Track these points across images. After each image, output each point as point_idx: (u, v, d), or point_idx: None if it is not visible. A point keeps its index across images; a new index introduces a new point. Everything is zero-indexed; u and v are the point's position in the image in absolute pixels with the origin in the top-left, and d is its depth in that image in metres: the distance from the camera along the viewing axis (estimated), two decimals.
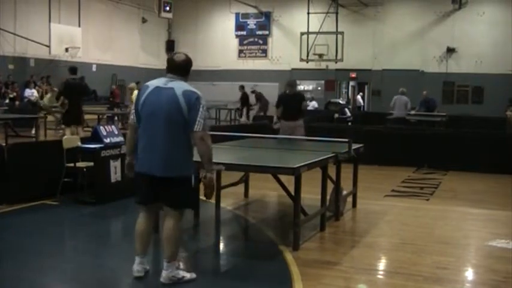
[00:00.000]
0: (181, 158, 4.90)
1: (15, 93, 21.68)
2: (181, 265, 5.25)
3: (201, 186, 5.05)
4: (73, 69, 13.47)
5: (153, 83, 4.99)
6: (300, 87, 29.94)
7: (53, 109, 18.30)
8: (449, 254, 6.32)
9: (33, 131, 15.91)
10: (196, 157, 4.99)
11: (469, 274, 5.87)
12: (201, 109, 4.79)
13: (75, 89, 12.97)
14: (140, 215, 5.16)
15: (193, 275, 5.13)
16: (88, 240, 6.74)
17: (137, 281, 5.13)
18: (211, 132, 5.33)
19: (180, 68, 4.98)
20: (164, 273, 4.99)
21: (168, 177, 4.87)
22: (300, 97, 11.65)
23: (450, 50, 26.93)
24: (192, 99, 4.79)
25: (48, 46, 21.99)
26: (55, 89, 20.29)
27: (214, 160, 5.04)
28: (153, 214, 5.30)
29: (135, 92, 17.64)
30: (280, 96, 12.38)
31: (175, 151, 4.85)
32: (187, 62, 5.01)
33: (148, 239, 5.20)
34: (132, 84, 18.63)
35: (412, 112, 19.55)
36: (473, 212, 8.83)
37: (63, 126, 16.84)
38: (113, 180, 8.61)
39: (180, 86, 4.86)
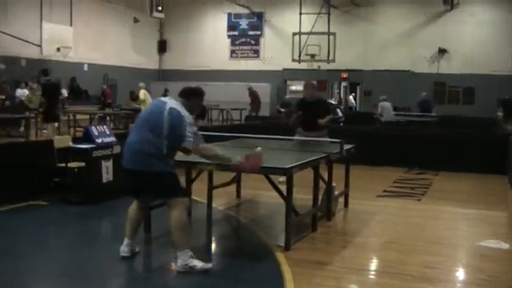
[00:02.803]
0: (151, 155, 5.32)
1: (4, 97, 21.45)
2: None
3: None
4: (45, 71, 14.25)
5: (161, 98, 5.74)
6: (292, 88, 29.97)
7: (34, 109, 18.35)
8: (439, 254, 6.36)
9: (22, 129, 16.02)
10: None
11: (458, 273, 5.92)
12: (186, 127, 5.29)
13: (51, 89, 13.78)
14: (133, 203, 5.79)
15: (209, 265, 5.47)
16: (78, 240, 6.72)
17: (125, 279, 5.15)
18: (203, 132, 5.85)
19: (184, 92, 5.61)
20: (178, 262, 5.38)
21: (140, 170, 5.38)
22: (321, 105, 10.12)
23: (441, 51, 27.02)
24: (174, 116, 5.31)
25: (40, 46, 21.90)
26: (34, 86, 20.33)
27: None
28: (142, 204, 5.83)
29: (142, 91, 19.39)
30: (299, 101, 10.41)
31: (144, 149, 5.33)
32: (192, 89, 5.67)
33: (136, 225, 5.79)
34: (141, 84, 20.21)
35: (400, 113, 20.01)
36: (463, 212, 8.88)
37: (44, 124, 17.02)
38: (104, 180, 8.60)
39: (172, 104, 5.43)
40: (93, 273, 5.45)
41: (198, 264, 5.38)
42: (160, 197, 5.74)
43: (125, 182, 5.73)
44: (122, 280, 5.55)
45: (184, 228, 5.47)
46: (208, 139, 7.24)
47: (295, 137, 9.77)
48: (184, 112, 5.37)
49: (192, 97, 5.61)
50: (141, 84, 20.14)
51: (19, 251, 6.01)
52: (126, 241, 5.73)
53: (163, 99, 5.61)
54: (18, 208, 7.92)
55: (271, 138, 9.44)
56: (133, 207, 5.78)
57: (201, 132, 5.65)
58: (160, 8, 26.20)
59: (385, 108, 19.37)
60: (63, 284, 5.28)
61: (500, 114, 20.82)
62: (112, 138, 8.99)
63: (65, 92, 23.45)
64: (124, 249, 5.71)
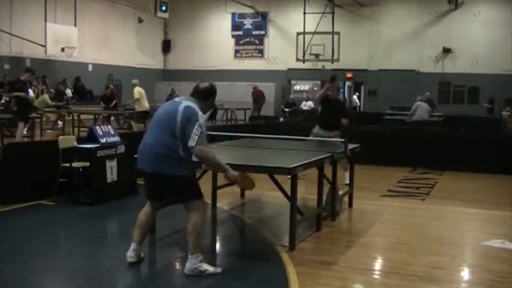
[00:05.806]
0: (167, 158, 5.18)
1: (7, 99, 21.38)
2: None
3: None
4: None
5: (175, 99, 5.54)
6: (296, 87, 29.98)
7: (45, 109, 18.34)
8: (445, 254, 6.33)
9: (25, 130, 15.98)
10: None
11: (465, 274, 5.88)
12: (196, 126, 5.08)
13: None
14: (145, 207, 5.62)
15: (218, 269, 5.41)
16: (84, 240, 6.71)
17: (132, 280, 5.13)
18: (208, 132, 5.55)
19: (199, 92, 5.42)
20: (187, 265, 5.30)
21: (157, 173, 5.22)
22: (343, 106, 10.88)
23: (446, 50, 26.96)
24: (189, 114, 5.14)
25: (44, 46, 21.94)
26: (52, 90, 20.33)
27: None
28: (154, 208, 5.66)
29: (136, 88, 17.48)
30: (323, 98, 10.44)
31: (160, 151, 5.18)
32: (207, 89, 5.45)
33: (145, 230, 5.64)
34: (135, 80, 18.08)
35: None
36: (468, 212, 8.85)
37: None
38: (109, 180, 8.59)
39: (187, 103, 5.26)
40: (102, 277, 5.41)
41: (209, 268, 5.31)
42: (180, 201, 5.44)
43: (145, 185, 5.55)
44: (131, 282, 5.52)
45: (201, 232, 5.39)
46: (214, 139, 7.26)
47: (309, 138, 9.77)
48: (199, 111, 5.20)
49: (208, 98, 5.44)
50: (135, 81, 17.83)
51: (28, 251, 6.00)
52: (133, 246, 5.56)
53: (177, 99, 5.44)
54: (25, 208, 7.92)
55: (276, 138, 9.45)
56: (145, 211, 5.60)
57: (209, 132, 5.53)
58: (164, 8, 26.22)
59: (419, 109, 18.50)
60: (73, 284, 5.27)
61: (505, 113, 20.80)
62: (116, 138, 8.99)
63: (69, 92, 23.47)
64: (130, 254, 5.54)
